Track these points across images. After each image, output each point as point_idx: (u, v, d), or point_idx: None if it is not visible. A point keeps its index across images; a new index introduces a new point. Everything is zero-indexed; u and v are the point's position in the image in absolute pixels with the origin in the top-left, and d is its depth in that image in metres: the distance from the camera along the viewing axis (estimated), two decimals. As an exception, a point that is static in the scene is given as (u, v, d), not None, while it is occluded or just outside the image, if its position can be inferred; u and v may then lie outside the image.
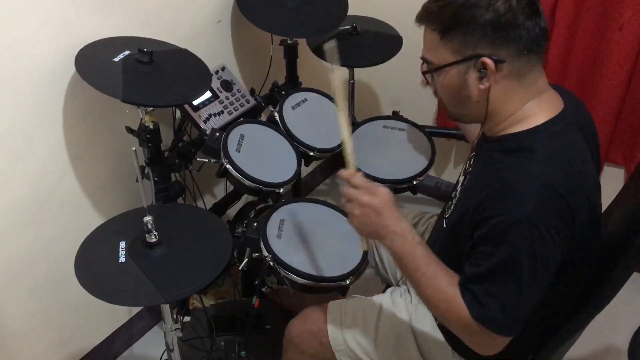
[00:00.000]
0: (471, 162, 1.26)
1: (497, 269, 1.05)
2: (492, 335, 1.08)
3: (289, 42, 1.94)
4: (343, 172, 1.18)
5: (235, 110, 1.79)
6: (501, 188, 1.05)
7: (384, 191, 1.14)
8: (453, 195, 1.30)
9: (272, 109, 1.85)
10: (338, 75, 1.17)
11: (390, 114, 2.06)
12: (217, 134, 1.65)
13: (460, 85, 1.08)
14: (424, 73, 1.13)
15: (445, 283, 1.11)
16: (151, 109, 1.49)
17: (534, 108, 1.09)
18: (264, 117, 1.91)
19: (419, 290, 1.15)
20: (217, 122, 1.73)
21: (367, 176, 1.79)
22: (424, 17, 1.09)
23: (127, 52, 1.45)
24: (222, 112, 1.76)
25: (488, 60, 1.03)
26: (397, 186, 1.83)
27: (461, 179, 1.29)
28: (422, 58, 1.12)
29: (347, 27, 2.02)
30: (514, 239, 1.01)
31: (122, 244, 1.27)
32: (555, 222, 1.01)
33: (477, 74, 1.05)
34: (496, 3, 1.01)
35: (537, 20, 1.03)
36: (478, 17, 1.01)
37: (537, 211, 1.00)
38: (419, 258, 1.12)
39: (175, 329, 1.43)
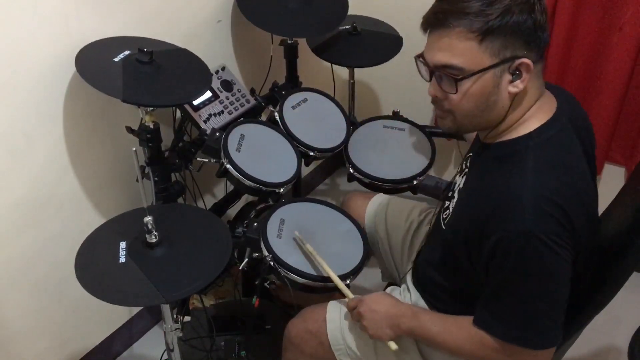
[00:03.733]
0: (468, 165, 1.26)
1: (507, 284, 1.06)
2: (524, 351, 1.08)
3: (289, 42, 1.94)
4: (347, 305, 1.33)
5: (236, 110, 1.79)
6: (498, 202, 1.05)
7: (371, 295, 1.29)
8: (450, 195, 1.30)
9: (272, 109, 1.85)
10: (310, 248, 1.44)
11: (390, 114, 2.06)
12: (217, 133, 1.65)
13: (491, 91, 1.04)
14: (456, 81, 1.02)
15: (457, 328, 1.17)
16: (151, 108, 1.49)
17: (532, 111, 1.09)
18: (264, 117, 1.91)
19: (445, 350, 1.21)
20: (217, 122, 1.73)
21: (367, 176, 1.82)
22: (457, 17, 0.99)
23: (127, 52, 1.45)
24: (222, 112, 1.76)
25: (528, 62, 1.01)
26: (397, 186, 1.83)
27: (458, 180, 1.28)
28: (442, 65, 1.03)
29: (347, 27, 2.02)
30: (519, 252, 1.02)
31: (122, 244, 1.27)
32: (555, 230, 1.02)
33: (510, 77, 1.03)
34: (535, 5, 0.99)
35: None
36: (522, 18, 0.98)
37: (535, 222, 1.01)
38: (425, 324, 1.21)
39: (175, 329, 1.43)
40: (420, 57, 1.09)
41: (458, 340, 1.17)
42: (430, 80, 1.09)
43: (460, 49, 1.01)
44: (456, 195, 1.26)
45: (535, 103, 1.09)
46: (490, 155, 1.13)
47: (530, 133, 1.08)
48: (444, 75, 1.05)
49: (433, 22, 1.03)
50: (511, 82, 1.03)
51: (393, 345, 1.26)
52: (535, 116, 1.09)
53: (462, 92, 1.05)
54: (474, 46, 1.00)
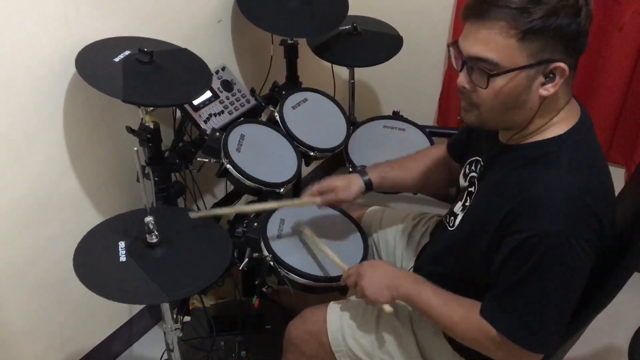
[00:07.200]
0: (475, 169, 1.26)
1: (524, 282, 1.05)
2: (521, 350, 1.08)
3: (289, 42, 1.94)
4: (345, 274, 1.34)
5: (236, 110, 1.79)
6: (528, 201, 1.03)
7: (373, 261, 1.35)
8: (460, 199, 1.29)
9: (272, 109, 1.85)
10: (308, 233, 1.48)
11: (391, 114, 2.06)
12: (218, 133, 1.65)
13: (523, 92, 1.01)
14: (490, 76, 1.00)
15: (457, 305, 1.16)
16: (151, 108, 1.49)
17: (560, 115, 1.07)
18: (264, 117, 1.91)
19: (439, 323, 1.20)
20: (217, 122, 1.73)
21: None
22: (501, 11, 0.95)
23: (127, 52, 1.45)
24: (222, 112, 1.76)
25: (565, 66, 0.98)
26: (398, 186, 1.83)
27: (465, 183, 1.28)
28: (477, 57, 1.00)
29: (347, 27, 2.02)
30: (544, 253, 1.01)
31: (122, 244, 1.27)
32: (586, 235, 1.01)
33: (543, 80, 1.00)
34: (581, 10, 0.96)
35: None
36: (566, 21, 0.95)
37: (568, 225, 1.00)
38: (424, 292, 1.19)
39: (175, 329, 1.43)
40: (454, 44, 1.06)
41: (455, 317, 1.15)
42: (461, 70, 1.06)
43: (498, 44, 0.97)
44: (467, 198, 1.25)
45: (564, 107, 1.07)
46: (516, 156, 1.11)
47: (561, 135, 1.06)
48: (476, 68, 1.02)
49: (475, 12, 0.99)
50: (543, 84, 1.01)
51: (388, 308, 1.24)
52: (564, 120, 1.07)
53: (492, 88, 1.02)
54: (513, 43, 0.96)
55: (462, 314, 1.15)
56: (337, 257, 1.40)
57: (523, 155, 1.09)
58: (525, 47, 0.97)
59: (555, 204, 1.00)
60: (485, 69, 1.00)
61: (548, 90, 1.01)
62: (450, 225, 1.27)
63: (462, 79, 1.05)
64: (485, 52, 0.99)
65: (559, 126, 1.07)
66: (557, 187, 1.02)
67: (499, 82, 1.01)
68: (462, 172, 1.31)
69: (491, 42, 0.98)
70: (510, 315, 1.08)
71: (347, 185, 1.45)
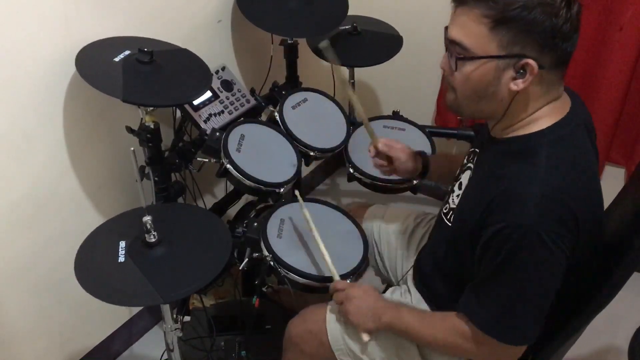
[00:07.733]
0: (472, 160, 1.26)
1: (497, 275, 1.06)
2: (497, 344, 1.09)
3: (289, 42, 1.94)
4: (333, 286, 1.34)
5: (236, 110, 1.79)
6: (505, 194, 1.04)
7: (360, 285, 1.32)
8: (451, 190, 1.30)
9: (272, 109, 1.85)
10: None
11: (390, 114, 2.06)
12: (218, 133, 1.65)
13: (491, 82, 1.04)
14: (457, 59, 1.04)
15: (432, 318, 1.22)
16: (151, 108, 1.49)
17: (544, 111, 1.08)
18: (264, 117, 1.92)
19: (421, 341, 1.24)
20: (217, 122, 1.73)
21: (368, 176, 1.82)
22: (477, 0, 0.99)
23: (127, 52, 1.45)
24: (222, 112, 1.76)
25: (534, 64, 0.99)
26: (397, 186, 1.83)
27: (462, 175, 1.29)
28: (453, 41, 1.04)
29: (347, 27, 2.02)
30: (515, 246, 1.02)
31: (122, 244, 1.27)
32: (558, 230, 1.01)
33: (513, 74, 1.02)
34: (560, 11, 0.97)
35: (577, 34, 1.01)
36: (540, 18, 0.96)
37: (539, 219, 1.00)
38: (403, 316, 1.24)
39: (175, 329, 1.43)
40: (446, 28, 1.09)
41: (432, 329, 1.19)
42: (446, 51, 1.09)
43: (471, 30, 1.01)
44: (459, 190, 1.26)
45: (548, 104, 1.08)
46: (501, 150, 1.12)
47: (542, 130, 1.07)
48: (453, 51, 1.05)
49: None
50: (514, 79, 1.02)
51: (365, 338, 1.28)
52: (548, 115, 1.08)
53: (462, 73, 1.05)
54: (485, 31, 0.99)
55: (439, 324, 1.18)
56: (330, 260, 1.39)
57: (506, 149, 1.11)
58: (495, 36, 0.99)
59: (529, 198, 1.01)
60: (456, 52, 1.04)
61: (518, 85, 1.02)
62: (450, 221, 1.27)
63: (443, 60, 1.10)
64: (460, 36, 1.03)
65: (543, 121, 1.08)
66: (533, 182, 1.02)
67: (468, 67, 1.04)
68: (463, 161, 1.32)
69: (466, 27, 1.02)
70: (486, 307, 1.09)
71: (405, 161, 1.49)
